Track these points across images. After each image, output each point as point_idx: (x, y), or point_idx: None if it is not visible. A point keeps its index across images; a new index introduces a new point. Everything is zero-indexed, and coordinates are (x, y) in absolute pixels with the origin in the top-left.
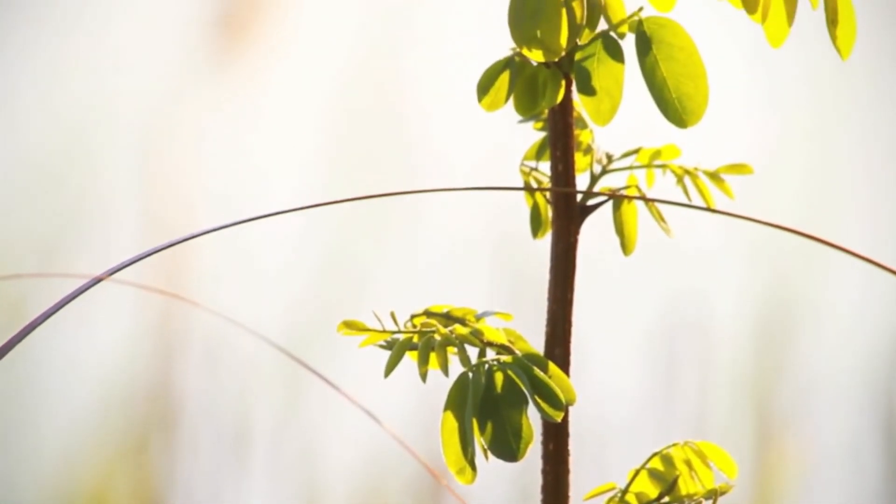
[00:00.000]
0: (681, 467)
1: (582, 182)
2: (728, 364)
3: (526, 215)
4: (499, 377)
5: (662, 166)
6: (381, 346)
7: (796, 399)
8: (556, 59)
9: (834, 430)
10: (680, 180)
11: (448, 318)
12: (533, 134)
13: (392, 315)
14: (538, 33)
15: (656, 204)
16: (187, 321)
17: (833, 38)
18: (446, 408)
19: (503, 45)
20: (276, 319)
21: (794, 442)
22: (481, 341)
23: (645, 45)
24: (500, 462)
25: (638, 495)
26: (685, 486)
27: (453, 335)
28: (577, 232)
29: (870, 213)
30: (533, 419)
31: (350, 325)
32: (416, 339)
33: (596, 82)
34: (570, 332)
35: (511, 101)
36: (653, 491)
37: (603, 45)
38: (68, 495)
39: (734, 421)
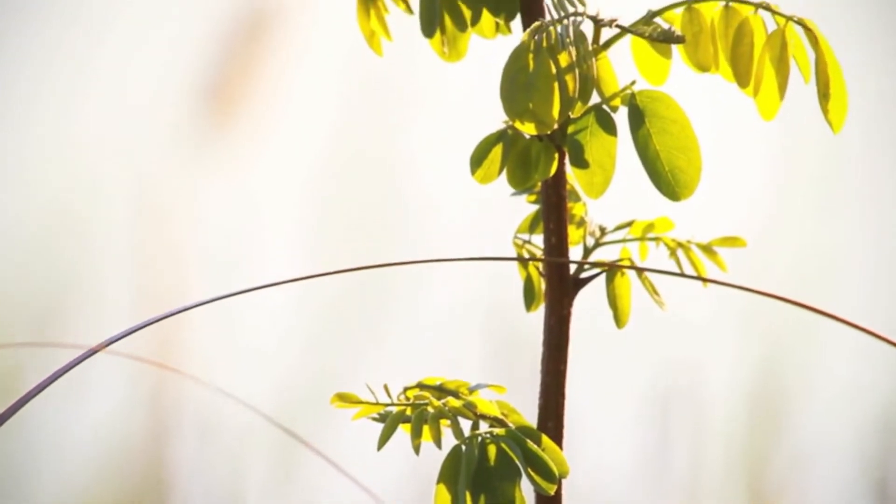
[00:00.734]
0: None
1: (575, 255)
2: (721, 434)
3: (519, 285)
4: (492, 450)
5: (655, 239)
6: (375, 419)
7: (789, 469)
8: (549, 132)
9: (827, 501)
10: (673, 253)
11: (441, 391)
12: (526, 204)
13: (385, 387)
14: (531, 106)
15: (649, 276)
16: (180, 393)
17: (825, 111)
18: (439, 480)
19: (496, 117)
20: (269, 391)
21: None
22: (474, 414)
23: (638, 118)
24: None
25: None
26: None
27: (446, 408)
28: (570, 305)
29: (863, 283)
30: (526, 492)
31: (343, 398)
32: (409, 411)
33: (589, 155)
34: (563, 404)
35: (504, 173)
36: None
37: (596, 118)
38: None
39: (727, 491)
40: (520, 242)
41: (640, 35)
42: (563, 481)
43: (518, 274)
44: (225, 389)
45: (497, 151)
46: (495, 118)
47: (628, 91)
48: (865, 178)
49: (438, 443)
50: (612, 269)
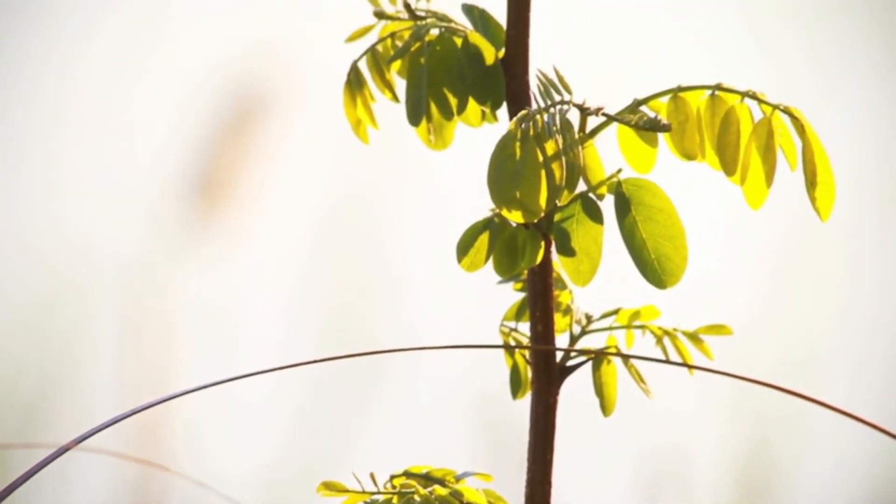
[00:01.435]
0: None
1: (562, 342)
2: None
3: (506, 372)
4: None
5: (642, 327)
6: None
7: None
8: (536, 220)
9: None
10: (659, 341)
11: (428, 479)
12: (513, 291)
13: (372, 476)
14: (518, 194)
15: (636, 364)
16: (163, 486)
17: (812, 199)
18: None
19: (483, 204)
20: (252, 480)
21: None
22: (461, 502)
23: (624, 206)
24: None
25: None
26: None
27: (433, 496)
28: (556, 393)
29: (848, 369)
30: None
31: (330, 487)
32: (395, 500)
33: (575, 243)
34: (549, 492)
35: (491, 261)
36: None
37: (582, 206)
38: None
39: None
40: (506, 330)
41: (627, 123)
42: None
43: (505, 361)
44: (206, 481)
45: (483, 239)
46: (482, 205)
47: (615, 179)
48: (848, 264)
49: None
50: (598, 357)
